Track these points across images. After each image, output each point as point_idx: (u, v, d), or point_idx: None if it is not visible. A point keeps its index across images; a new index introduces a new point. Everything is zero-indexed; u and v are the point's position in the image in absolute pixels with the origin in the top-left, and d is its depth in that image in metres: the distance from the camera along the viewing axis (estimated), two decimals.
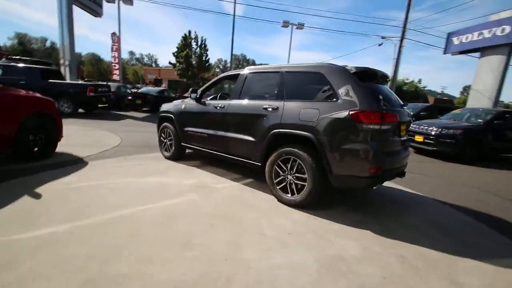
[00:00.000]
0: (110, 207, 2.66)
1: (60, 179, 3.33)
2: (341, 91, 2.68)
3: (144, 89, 15.02)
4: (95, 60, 67.30)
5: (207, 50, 30.88)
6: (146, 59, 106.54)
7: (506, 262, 2.23)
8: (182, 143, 4.49)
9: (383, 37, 22.66)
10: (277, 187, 3.11)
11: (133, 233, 2.20)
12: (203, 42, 30.25)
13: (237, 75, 3.82)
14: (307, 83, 2.99)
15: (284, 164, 3.05)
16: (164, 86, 34.16)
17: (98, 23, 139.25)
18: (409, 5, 18.51)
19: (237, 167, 4.48)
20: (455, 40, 18.73)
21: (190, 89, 4.17)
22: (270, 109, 3.13)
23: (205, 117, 3.98)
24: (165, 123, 4.76)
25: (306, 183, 2.85)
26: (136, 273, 1.73)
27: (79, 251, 1.92)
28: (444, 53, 19.95)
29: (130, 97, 13.45)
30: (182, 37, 28.72)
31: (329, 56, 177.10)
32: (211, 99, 4.47)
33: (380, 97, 2.69)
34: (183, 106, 4.40)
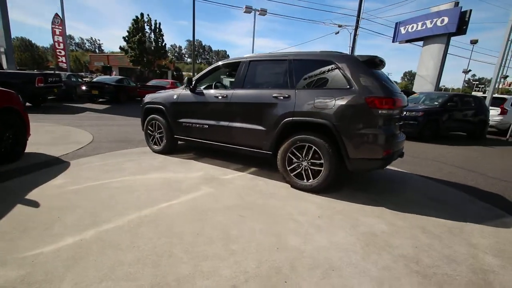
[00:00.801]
0: (129, 207, 2.45)
1: (48, 182, 2.93)
2: (355, 78, 2.81)
3: (99, 78, 13.57)
4: (26, 45, 58.26)
5: (162, 35, 28.91)
6: (88, 45, 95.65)
7: (498, 223, 2.66)
8: (176, 136, 4.25)
9: (339, 26, 23.72)
10: (291, 174, 3.18)
11: (171, 232, 2.08)
12: (158, 26, 28.21)
13: (237, 63, 3.71)
14: (318, 71, 3.05)
15: (298, 151, 3.12)
16: (114, 74, 31.25)
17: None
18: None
19: (235, 157, 4.43)
20: (402, 30, 20.38)
21: (186, 78, 3.92)
22: (281, 98, 3.13)
23: (205, 108, 3.81)
24: (153, 115, 4.44)
25: (322, 168, 2.97)
26: (198, 273, 1.66)
27: (122, 257, 1.76)
28: (393, 42, 21.61)
29: (84, 87, 12.05)
30: (134, 20, 26.32)
31: (284, 43, 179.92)
32: (205, 88, 4.29)
33: (387, 83, 2.89)
34: (175, 97, 4.13)
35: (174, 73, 39.50)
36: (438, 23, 17.09)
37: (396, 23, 20.71)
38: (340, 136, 2.80)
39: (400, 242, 2.17)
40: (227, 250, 1.91)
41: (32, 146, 4.18)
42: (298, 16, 41.41)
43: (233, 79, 5.13)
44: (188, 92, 4.01)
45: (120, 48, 27.48)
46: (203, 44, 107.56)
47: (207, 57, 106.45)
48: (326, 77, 3.01)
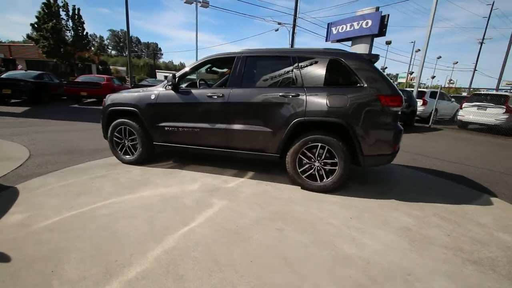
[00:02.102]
0: (143, 240, 1.94)
1: (1, 220, 2.13)
2: (364, 76, 2.83)
3: (10, 73, 10.76)
4: None
5: (83, 22, 24.99)
6: None
7: (482, 201, 3.08)
8: (156, 142, 3.65)
9: (279, 23, 24.50)
10: (303, 175, 3.06)
11: (218, 264, 1.72)
12: (77, 12, 24.23)
13: (230, 59, 3.35)
14: (325, 69, 2.98)
15: (309, 151, 3.01)
16: (20, 68, 25.63)
17: None
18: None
19: (223, 161, 4.08)
20: (334, 30, 22.19)
21: (170, 74, 3.35)
22: (289, 97, 2.95)
23: (195, 109, 3.34)
24: (122, 119, 3.71)
25: (336, 168, 2.93)
26: None
27: None
28: (326, 41, 23.38)
29: None
30: (44, 3, 21.93)
31: (218, 38, 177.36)
32: (186, 86, 3.79)
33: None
34: (153, 97, 3.51)
35: (100, 67, 34.78)
36: (364, 25, 19.15)
37: (328, 24, 22.39)
38: (355, 134, 2.80)
39: (433, 233, 2.29)
40: (296, 274, 1.68)
41: None
42: (234, 11, 40.97)
43: (215, 77, 4.70)
44: (171, 91, 3.45)
45: (28, 37, 22.65)
46: (130, 35, 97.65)
47: (136, 49, 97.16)
48: (335, 75, 2.96)
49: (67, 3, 23.29)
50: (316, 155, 2.99)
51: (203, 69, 4.31)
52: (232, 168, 3.81)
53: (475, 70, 30.87)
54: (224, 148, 3.34)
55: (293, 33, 23.02)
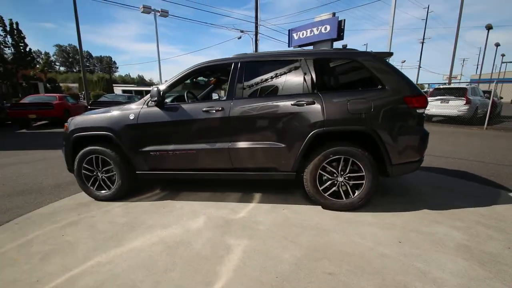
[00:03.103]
0: None
1: None
2: (384, 77, 2.53)
3: None
4: None
5: (23, 37, 22.46)
6: None
7: (501, 200, 2.95)
8: (140, 171, 2.98)
9: (241, 31, 24.44)
10: (325, 194, 2.65)
11: None
12: (15, 27, 21.68)
13: (225, 65, 2.86)
14: (341, 71, 2.64)
15: (330, 165, 2.62)
16: None
17: None
18: (256, 6, 20.98)
19: (223, 184, 3.53)
20: (295, 36, 22.68)
21: (153, 89, 2.72)
22: (303, 105, 2.54)
23: (188, 128, 2.77)
24: (92, 147, 2.99)
25: (363, 181, 2.58)
26: None
27: None
28: (288, 47, 23.88)
29: None
30: None
31: (177, 49, 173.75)
32: (172, 101, 3.21)
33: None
34: (132, 117, 2.87)
35: (48, 85, 31.45)
36: (323, 30, 19.83)
37: (289, 30, 22.81)
38: (383, 142, 2.48)
39: (492, 248, 2.01)
40: None
41: None
42: (196, 21, 40.18)
43: (200, 90, 4.15)
44: (155, 109, 2.84)
45: None
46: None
47: (88, 64, 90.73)
48: (353, 77, 2.64)
49: (2, 18, 20.71)
50: (339, 169, 2.61)
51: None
52: (233, 190, 3.28)
53: (419, 67, 33.97)
54: (228, 170, 2.82)
55: (256, 40, 23.12)
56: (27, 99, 10.73)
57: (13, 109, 9.86)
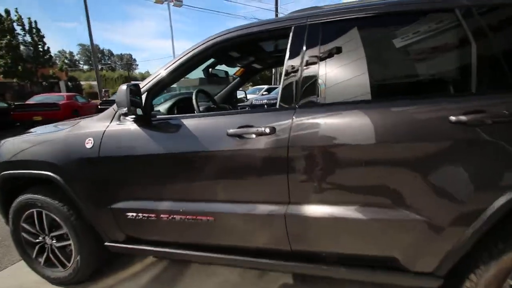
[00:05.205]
0: None
1: None
2: None
3: None
4: None
5: (42, 36, 22.22)
6: None
7: None
8: (110, 243, 1.59)
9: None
10: None
11: None
12: (34, 26, 21.44)
13: (274, 35, 1.38)
14: None
15: None
16: None
17: None
18: None
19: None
20: None
21: (121, 86, 1.28)
22: (488, 123, 0.99)
23: (200, 169, 1.32)
24: (28, 196, 1.65)
25: None
26: None
27: None
28: None
29: None
30: None
31: (193, 44, 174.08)
32: (169, 109, 1.77)
33: None
34: (90, 144, 1.45)
35: (69, 83, 31.66)
36: None
37: None
38: None
39: None
40: None
41: None
42: (215, 11, 38.89)
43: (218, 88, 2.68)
44: (133, 127, 1.41)
45: None
46: (101, 48, 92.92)
47: (109, 62, 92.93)
48: None
49: (21, 16, 20.44)
50: None
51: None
52: (257, 277, 1.81)
53: None
54: (281, 256, 1.34)
55: None
56: (33, 100, 9.88)
57: (17, 110, 8.99)
